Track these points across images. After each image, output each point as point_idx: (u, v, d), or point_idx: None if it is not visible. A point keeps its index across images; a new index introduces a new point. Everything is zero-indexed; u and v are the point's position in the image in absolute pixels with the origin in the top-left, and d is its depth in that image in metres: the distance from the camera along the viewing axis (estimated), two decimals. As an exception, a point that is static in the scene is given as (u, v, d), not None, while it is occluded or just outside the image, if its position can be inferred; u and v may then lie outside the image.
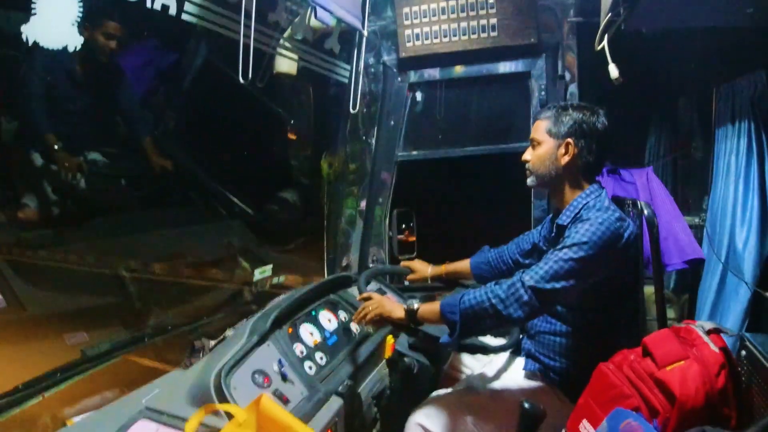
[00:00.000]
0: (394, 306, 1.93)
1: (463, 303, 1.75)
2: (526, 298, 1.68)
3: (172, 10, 1.96)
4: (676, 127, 3.33)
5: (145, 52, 3.21)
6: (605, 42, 2.05)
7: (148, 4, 1.88)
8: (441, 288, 2.64)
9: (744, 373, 1.87)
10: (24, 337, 2.24)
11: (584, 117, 1.85)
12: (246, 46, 1.92)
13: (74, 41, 1.90)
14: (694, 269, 2.92)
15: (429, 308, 1.86)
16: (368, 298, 2.01)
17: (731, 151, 2.75)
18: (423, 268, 2.53)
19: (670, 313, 3.19)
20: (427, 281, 2.54)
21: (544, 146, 1.91)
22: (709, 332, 1.63)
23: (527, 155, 1.97)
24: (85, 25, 1.92)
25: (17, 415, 1.79)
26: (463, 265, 2.45)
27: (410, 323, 1.91)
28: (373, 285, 2.62)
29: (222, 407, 1.51)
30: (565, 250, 1.72)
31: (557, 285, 1.69)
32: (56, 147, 2.54)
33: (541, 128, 1.92)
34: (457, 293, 1.82)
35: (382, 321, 1.96)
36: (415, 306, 1.87)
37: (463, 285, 2.50)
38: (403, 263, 2.61)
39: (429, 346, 2.02)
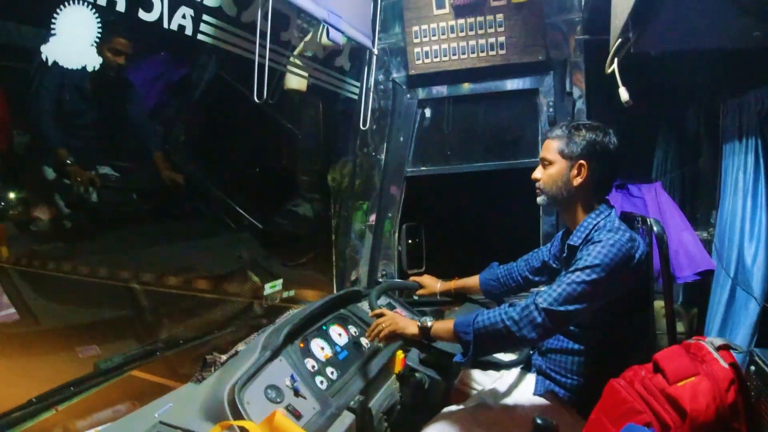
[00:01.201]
0: (407, 322, 1.94)
1: (476, 323, 1.76)
2: (539, 320, 1.69)
3: (188, 30, 2.00)
4: (683, 143, 3.33)
5: (156, 67, 3.26)
6: (615, 65, 2.07)
7: (165, 24, 1.91)
8: (450, 303, 2.65)
9: (753, 388, 1.88)
10: (37, 349, 2.26)
11: (597, 138, 1.85)
12: (261, 66, 1.95)
13: (93, 61, 1.93)
14: (703, 283, 2.92)
15: (443, 326, 1.86)
16: (381, 315, 2.01)
17: (739, 168, 2.75)
18: (432, 284, 2.54)
19: (679, 328, 3.18)
20: (436, 296, 2.56)
21: (556, 166, 1.91)
22: (718, 348, 1.63)
23: (537, 174, 1.97)
24: (103, 45, 1.95)
25: (31, 429, 1.80)
26: (472, 281, 2.47)
27: (424, 340, 1.91)
28: (383, 300, 2.64)
29: (237, 423, 1.53)
30: (578, 273, 1.72)
31: (570, 308, 1.70)
32: (68, 161, 2.56)
33: (552, 148, 1.92)
34: (471, 312, 1.83)
35: (395, 337, 1.97)
36: (429, 323, 1.87)
37: (472, 300, 2.52)
38: (412, 278, 2.63)
39: (441, 362, 2.03)
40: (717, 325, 2.81)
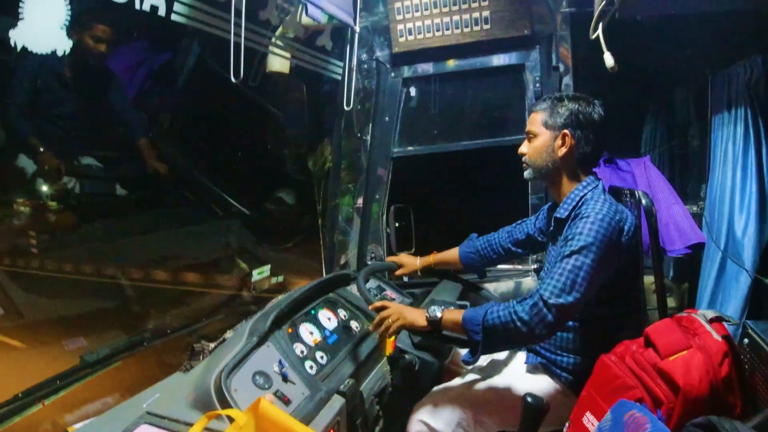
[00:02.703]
0: (415, 315, 1.87)
1: (486, 322, 1.71)
2: (550, 318, 1.65)
3: (162, 11, 1.94)
4: (672, 116, 3.32)
5: (136, 54, 3.19)
6: (600, 31, 2.03)
7: (137, 6, 1.85)
8: (437, 282, 2.63)
9: (747, 361, 1.87)
10: (22, 344, 2.23)
11: (580, 107, 1.84)
12: (237, 45, 1.90)
13: (63, 45, 1.87)
14: (694, 257, 2.91)
15: (451, 319, 1.80)
16: (382, 308, 1.93)
17: (728, 138, 2.74)
18: (411, 262, 2.53)
19: (670, 302, 3.19)
20: (417, 274, 2.55)
21: (541, 138, 1.89)
22: (711, 321, 1.62)
23: (524, 148, 1.96)
24: (73, 28, 1.89)
25: (18, 424, 1.77)
26: (452, 254, 2.46)
27: (433, 332, 1.87)
28: (372, 283, 2.61)
29: (224, 412, 1.50)
30: (575, 257, 1.69)
31: (578, 294, 1.67)
32: (48, 152, 2.51)
33: (536, 120, 1.90)
34: (479, 307, 1.78)
35: (404, 330, 1.93)
36: (438, 315, 1.82)
37: (456, 278, 2.56)
38: (389, 258, 2.61)
39: (436, 345, 2.01)
40: (708, 299, 2.81)
